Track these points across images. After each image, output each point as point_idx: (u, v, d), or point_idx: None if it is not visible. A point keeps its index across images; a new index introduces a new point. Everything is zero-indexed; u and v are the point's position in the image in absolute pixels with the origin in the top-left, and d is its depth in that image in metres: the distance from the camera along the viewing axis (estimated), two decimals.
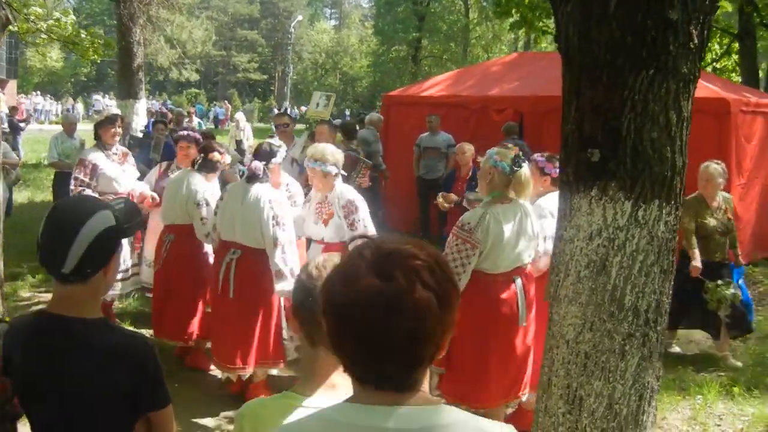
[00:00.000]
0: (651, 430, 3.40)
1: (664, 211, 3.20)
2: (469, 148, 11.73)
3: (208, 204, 7.46)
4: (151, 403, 2.93)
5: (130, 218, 3.12)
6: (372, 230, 6.85)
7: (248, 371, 6.72)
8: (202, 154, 7.78)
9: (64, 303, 2.81)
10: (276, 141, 7.15)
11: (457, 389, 5.81)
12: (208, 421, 6.48)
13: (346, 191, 6.95)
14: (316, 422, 1.89)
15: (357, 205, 6.80)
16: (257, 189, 6.59)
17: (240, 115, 27.04)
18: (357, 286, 1.75)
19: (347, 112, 16.09)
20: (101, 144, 8.46)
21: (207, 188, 7.63)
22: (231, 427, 6.26)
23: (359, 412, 1.82)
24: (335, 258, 2.51)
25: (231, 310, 6.65)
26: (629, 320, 3.22)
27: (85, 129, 14.34)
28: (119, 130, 8.56)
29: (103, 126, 8.45)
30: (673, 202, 3.23)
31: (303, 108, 50.70)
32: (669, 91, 3.12)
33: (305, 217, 7.15)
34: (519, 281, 5.79)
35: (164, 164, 9.33)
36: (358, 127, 13.97)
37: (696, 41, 3.12)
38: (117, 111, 9.29)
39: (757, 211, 12.44)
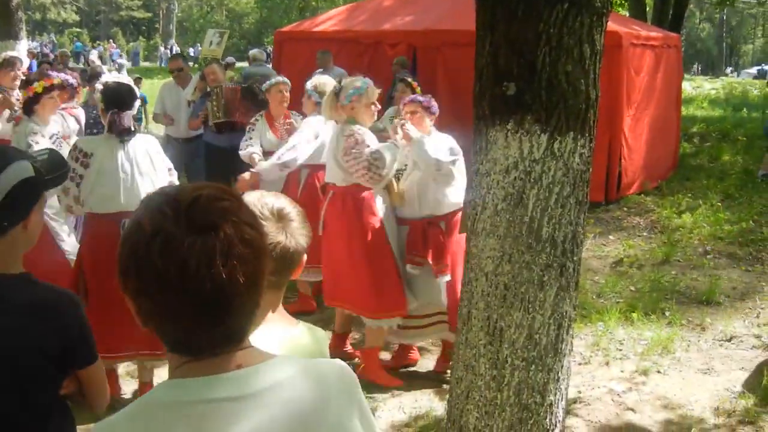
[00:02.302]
0: (569, 358, 3.49)
1: (578, 144, 3.25)
2: None
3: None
4: (78, 360, 2.86)
5: (54, 169, 2.99)
6: (298, 154, 7.21)
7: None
8: None
9: None
10: (124, 75, 6.40)
11: None
12: None
13: (316, 119, 7.46)
14: (136, 408, 1.69)
15: (301, 129, 7.44)
16: (135, 144, 5.67)
17: (94, 54, 25.29)
18: (179, 250, 1.56)
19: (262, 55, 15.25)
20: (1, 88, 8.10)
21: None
22: None
23: (190, 387, 1.65)
24: (266, 200, 2.48)
25: None
26: (547, 251, 3.28)
27: None
28: (19, 73, 8.15)
29: (1, 69, 8.13)
30: (587, 135, 3.28)
31: (191, 50, 49.72)
32: (583, 25, 3.14)
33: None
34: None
35: None
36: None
37: None
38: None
39: (647, 141, 12.76)
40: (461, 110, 6.92)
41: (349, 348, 6.96)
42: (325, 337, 2.73)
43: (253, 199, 2.44)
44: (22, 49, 17.39)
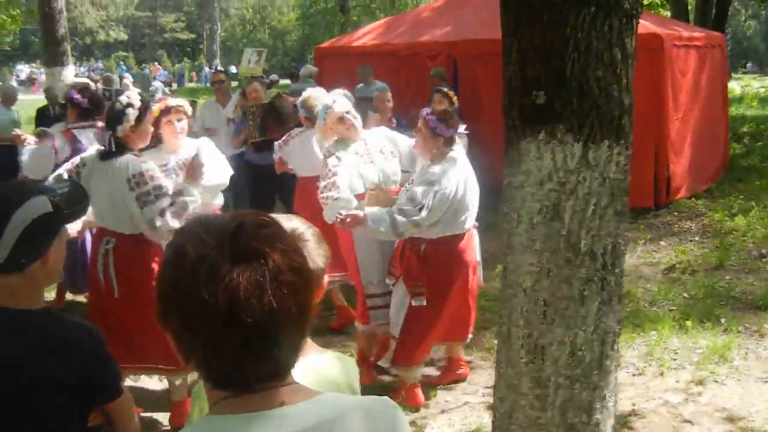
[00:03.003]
0: (615, 374, 3.36)
1: (614, 152, 3.12)
2: None
3: None
4: (103, 394, 2.83)
5: (74, 203, 2.94)
6: None
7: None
8: None
9: (1, 294, 2.65)
10: (129, 95, 5.83)
11: None
12: None
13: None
14: None
15: None
16: (118, 163, 5.45)
17: (129, 78, 25.22)
18: (226, 280, 1.49)
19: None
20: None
21: None
22: None
23: (231, 424, 1.58)
24: (280, 221, 2.39)
25: (120, 311, 5.57)
26: (586, 265, 3.14)
27: None
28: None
29: None
30: (623, 142, 3.14)
31: (232, 68, 50.25)
32: (612, 28, 3.01)
33: None
34: None
35: None
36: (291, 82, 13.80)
37: None
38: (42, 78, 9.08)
39: (695, 144, 12.52)
40: (500, 123, 6.77)
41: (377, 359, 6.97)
42: (355, 367, 2.64)
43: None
44: (68, 74, 17.77)
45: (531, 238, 3.19)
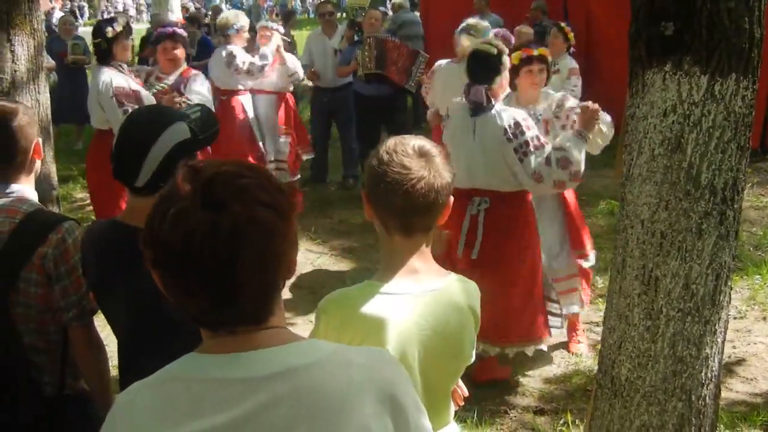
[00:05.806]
0: (727, 310, 3.36)
1: (741, 85, 3.08)
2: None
3: None
4: None
5: (207, 128, 3.04)
6: None
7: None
8: None
9: (136, 214, 2.74)
10: None
11: None
12: None
13: None
14: (157, 378, 1.70)
15: None
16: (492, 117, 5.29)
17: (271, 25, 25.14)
18: (187, 224, 1.57)
19: None
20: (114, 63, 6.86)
21: None
22: None
23: (204, 363, 1.66)
24: (407, 141, 2.45)
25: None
26: (706, 198, 3.13)
27: None
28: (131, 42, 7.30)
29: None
30: (750, 76, 3.10)
31: None
32: None
33: None
34: None
35: None
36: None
37: None
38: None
39: None
40: (614, 56, 6.76)
41: None
42: (477, 289, 2.67)
43: (393, 140, 2.44)
44: (175, 4, 17.85)
45: (651, 169, 3.19)
